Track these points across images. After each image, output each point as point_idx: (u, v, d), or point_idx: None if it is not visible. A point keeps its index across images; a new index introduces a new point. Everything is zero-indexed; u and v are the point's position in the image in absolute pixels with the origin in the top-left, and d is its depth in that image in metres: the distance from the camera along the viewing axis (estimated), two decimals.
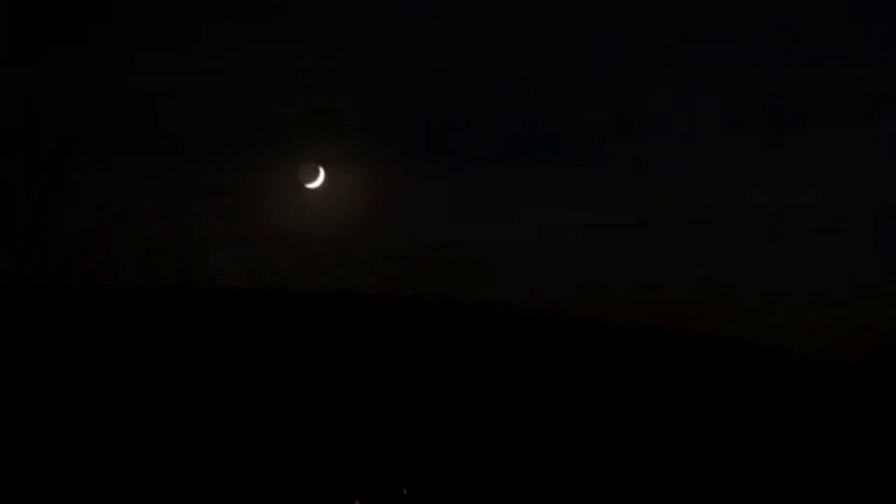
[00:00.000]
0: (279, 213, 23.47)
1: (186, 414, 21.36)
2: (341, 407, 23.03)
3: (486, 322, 27.16)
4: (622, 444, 23.70)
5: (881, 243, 34.20)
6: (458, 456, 22.76)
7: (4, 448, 18.69)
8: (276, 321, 23.90)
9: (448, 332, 24.97)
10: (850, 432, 25.64)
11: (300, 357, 23.34)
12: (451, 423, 23.27)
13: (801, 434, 25.52)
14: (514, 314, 27.66)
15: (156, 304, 21.08)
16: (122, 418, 19.81)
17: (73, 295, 20.64)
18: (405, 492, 21.55)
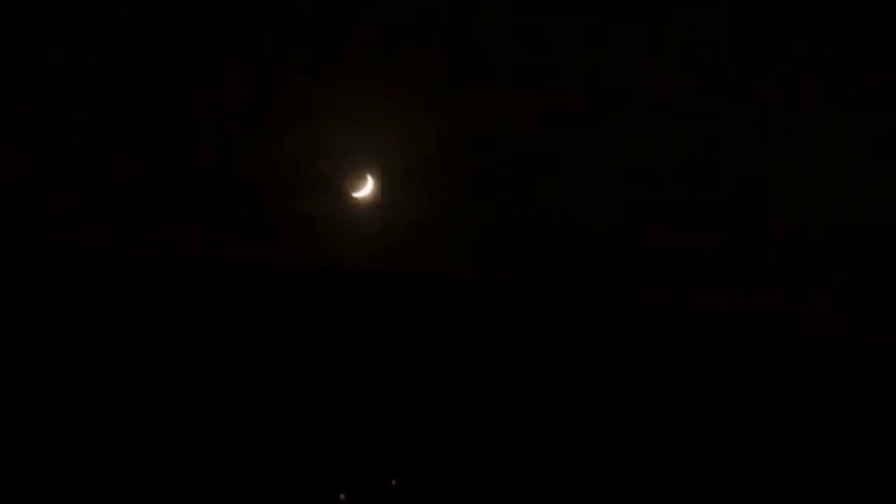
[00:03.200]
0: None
1: (158, 398, 20.72)
2: (327, 392, 22.17)
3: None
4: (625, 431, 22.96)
5: None
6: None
7: None
8: (256, 300, 23.11)
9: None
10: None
11: (284, 337, 22.54)
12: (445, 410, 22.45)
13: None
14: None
15: (125, 282, 20.53)
16: (87, 402, 19.29)
17: (38, 273, 20.02)
18: (394, 483, 20.66)
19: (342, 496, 20.41)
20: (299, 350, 22.41)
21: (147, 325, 20.90)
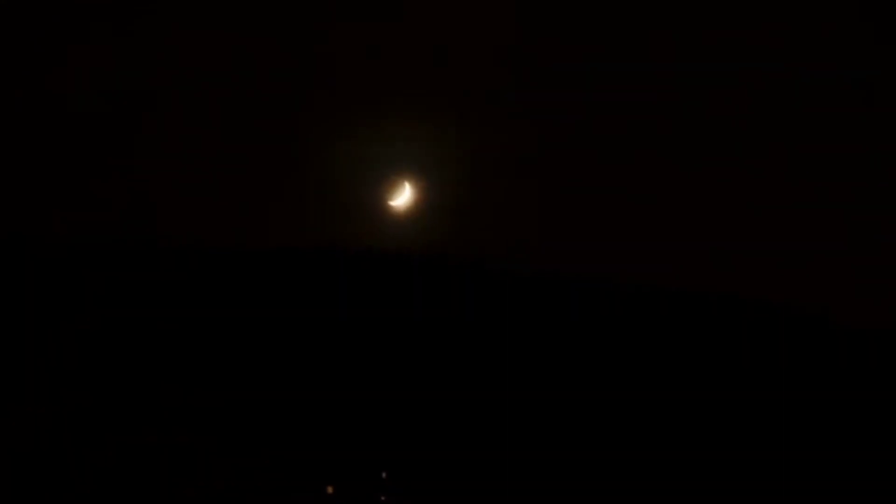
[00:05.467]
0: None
1: (147, 386, 20.19)
2: (315, 382, 21.47)
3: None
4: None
5: None
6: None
7: None
8: (245, 285, 22.38)
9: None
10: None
11: (273, 327, 21.84)
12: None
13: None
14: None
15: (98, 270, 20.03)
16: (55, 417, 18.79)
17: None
18: (384, 475, 19.95)
19: (329, 489, 19.72)
20: (289, 340, 21.78)
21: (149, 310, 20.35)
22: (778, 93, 25.91)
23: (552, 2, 23.51)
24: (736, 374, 24.14)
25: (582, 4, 23.66)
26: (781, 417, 23.28)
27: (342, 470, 19.93)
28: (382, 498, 20.29)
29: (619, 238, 26.72)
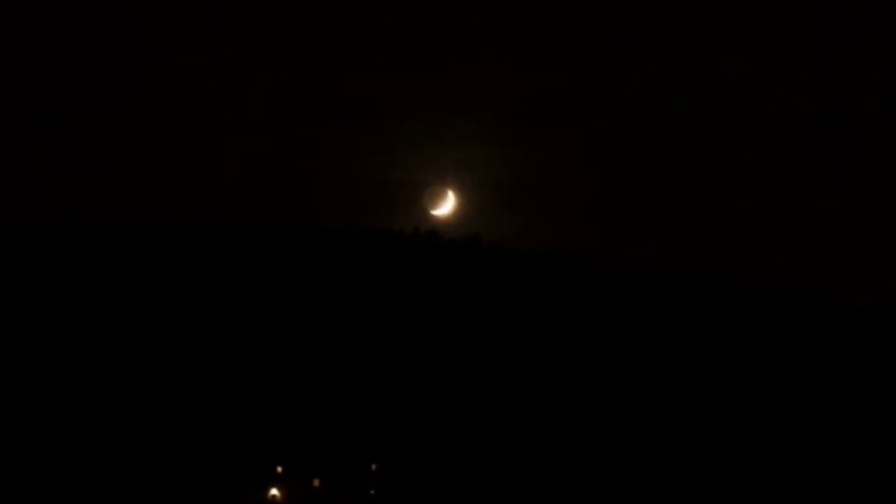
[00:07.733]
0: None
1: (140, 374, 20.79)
2: (306, 378, 22.03)
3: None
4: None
5: None
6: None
7: None
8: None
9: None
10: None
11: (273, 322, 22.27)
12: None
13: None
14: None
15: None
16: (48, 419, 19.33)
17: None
18: (374, 467, 20.64)
19: (316, 482, 20.43)
20: (288, 338, 22.18)
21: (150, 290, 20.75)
22: (788, 93, 25.74)
23: (563, 11, 23.50)
24: (752, 361, 24.33)
25: (594, 10, 23.58)
26: (795, 404, 23.53)
27: (335, 464, 20.53)
28: (372, 492, 20.95)
29: (642, 234, 26.81)
